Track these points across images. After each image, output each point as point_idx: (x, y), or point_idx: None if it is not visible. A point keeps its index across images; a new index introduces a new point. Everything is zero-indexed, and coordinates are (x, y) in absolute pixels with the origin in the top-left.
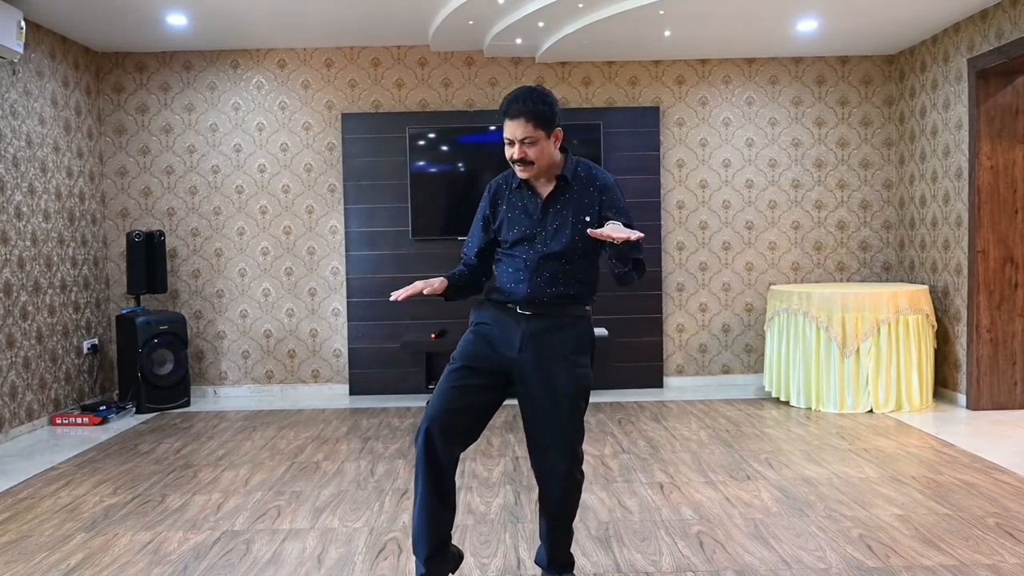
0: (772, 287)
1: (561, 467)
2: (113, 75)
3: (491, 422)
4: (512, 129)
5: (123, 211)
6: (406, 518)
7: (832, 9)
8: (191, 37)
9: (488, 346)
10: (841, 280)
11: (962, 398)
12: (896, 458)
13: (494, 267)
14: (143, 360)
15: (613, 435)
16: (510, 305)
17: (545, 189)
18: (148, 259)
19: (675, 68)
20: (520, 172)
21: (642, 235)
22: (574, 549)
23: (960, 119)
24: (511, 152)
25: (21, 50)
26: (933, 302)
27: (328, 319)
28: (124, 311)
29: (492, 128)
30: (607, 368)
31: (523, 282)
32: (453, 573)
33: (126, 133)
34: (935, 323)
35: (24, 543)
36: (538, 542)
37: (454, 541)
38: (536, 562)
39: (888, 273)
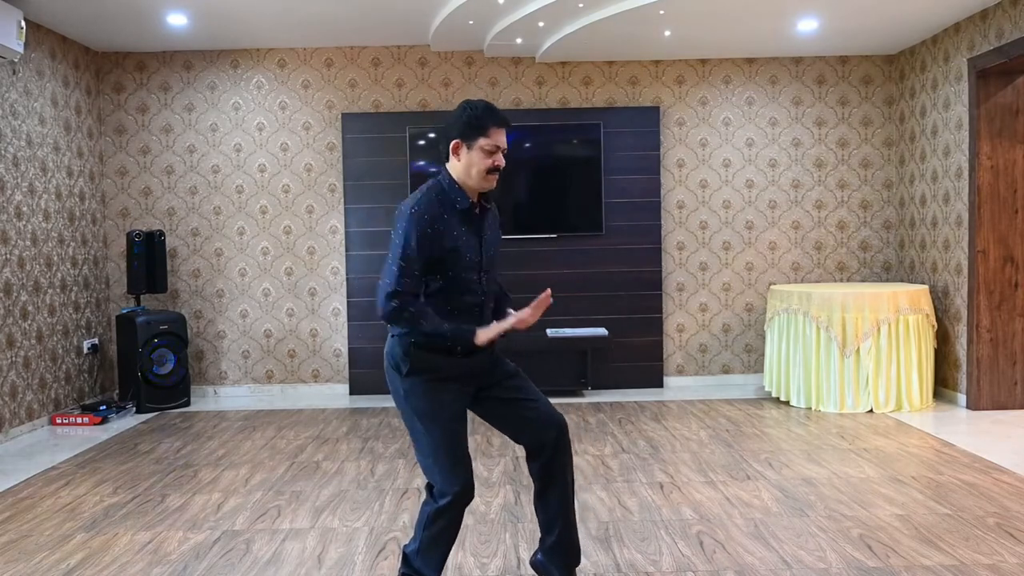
0: (772, 287)
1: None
2: (113, 75)
3: (490, 423)
4: (503, 138)
5: (123, 211)
6: (406, 518)
7: (832, 9)
8: (191, 37)
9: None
10: (841, 280)
11: (962, 398)
12: (896, 458)
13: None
14: (143, 360)
15: (613, 435)
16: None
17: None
18: (148, 259)
19: (675, 68)
20: (493, 183)
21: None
22: None
23: (960, 119)
24: (494, 160)
25: (21, 50)
26: (933, 302)
27: (328, 319)
28: (124, 311)
29: None
30: (607, 368)
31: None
32: None
33: (126, 133)
34: (935, 323)
35: (24, 543)
36: (537, 543)
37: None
38: (531, 563)
39: (888, 273)
